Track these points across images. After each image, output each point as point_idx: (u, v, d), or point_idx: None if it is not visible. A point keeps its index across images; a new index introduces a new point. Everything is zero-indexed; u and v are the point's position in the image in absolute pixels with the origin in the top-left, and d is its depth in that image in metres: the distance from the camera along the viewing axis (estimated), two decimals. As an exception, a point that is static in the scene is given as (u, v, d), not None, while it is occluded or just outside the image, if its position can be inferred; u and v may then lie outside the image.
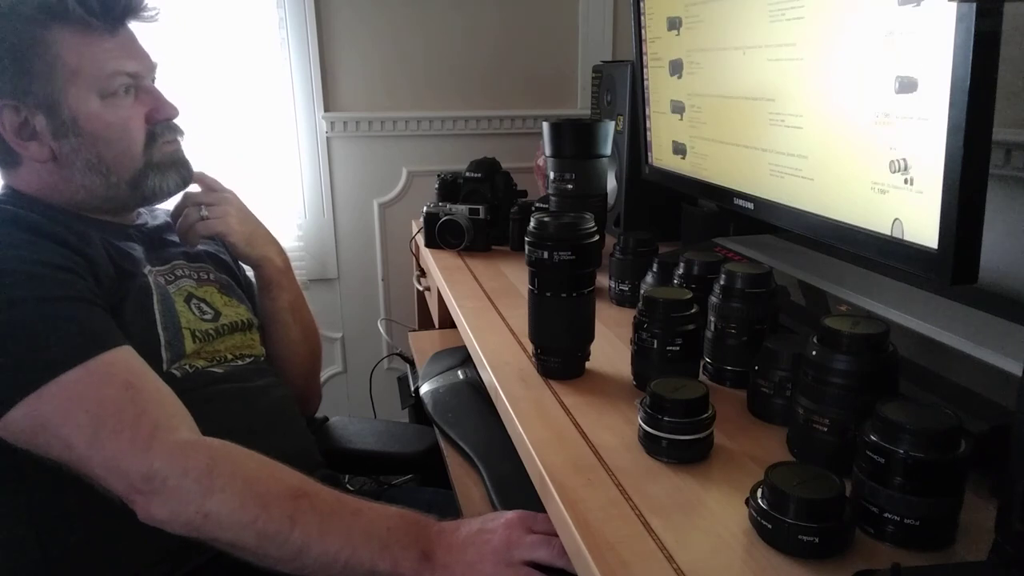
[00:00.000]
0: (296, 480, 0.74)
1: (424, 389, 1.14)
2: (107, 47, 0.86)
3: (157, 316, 0.88)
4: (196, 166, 1.01)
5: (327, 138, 1.87)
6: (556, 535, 0.62)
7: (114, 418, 0.72)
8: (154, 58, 0.93)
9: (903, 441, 0.49)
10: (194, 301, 0.96)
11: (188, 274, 0.98)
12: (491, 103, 1.95)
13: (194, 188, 1.02)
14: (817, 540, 0.49)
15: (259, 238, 1.06)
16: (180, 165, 0.96)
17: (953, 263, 0.62)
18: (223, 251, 1.09)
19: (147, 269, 0.91)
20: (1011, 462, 0.45)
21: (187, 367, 0.90)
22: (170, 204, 1.02)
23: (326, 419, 1.21)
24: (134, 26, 0.91)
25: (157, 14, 0.92)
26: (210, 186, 1.04)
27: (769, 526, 0.51)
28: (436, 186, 1.46)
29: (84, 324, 0.77)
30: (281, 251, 1.09)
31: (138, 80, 0.90)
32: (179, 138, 0.96)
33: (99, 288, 0.82)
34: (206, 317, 0.95)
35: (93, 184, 0.89)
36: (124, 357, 0.77)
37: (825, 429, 0.59)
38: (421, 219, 1.44)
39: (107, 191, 0.90)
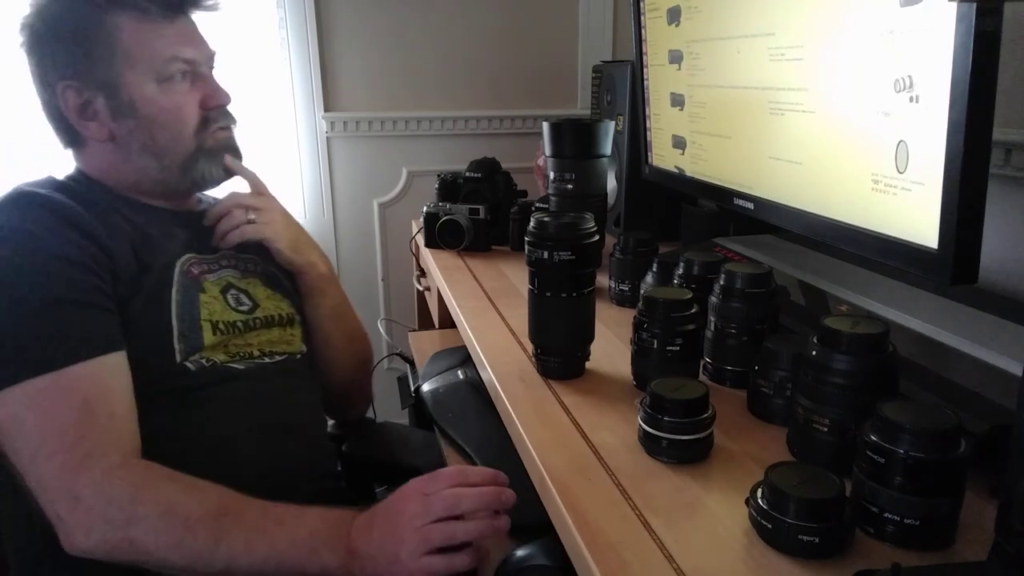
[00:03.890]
0: (219, 499, 0.74)
1: (424, 389, 1.14)
2: (164, 33, 0.89)
3: (173, 307, 0.88)
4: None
5: (327, 138, 1.87)
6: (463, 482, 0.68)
7: (54, 438, 0.72)
8: (212, 47, 0.96)
9: (903, 441, 0.49)
10: (232, 292, 0.95)
11: (233, 264, 0.98)
12: (491, 103, 1.95)
13: (243, 188, 1.02)
14: (817, 540, 0.49)
15: (303, 244, 1.04)
16: (231, 152, 0.97)
17: (953, 263, 0.62)
18: None
19: (184, 258, 0.92)
20: (1011, 462, 0.45)
21: (203, 361, 0.89)
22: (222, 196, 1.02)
23: (373, 421, 1.18)
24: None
25: (217, 4, 0.95)
26: (258, 189, 1.02)
27: (769, 526, 0.51)
28: (436, 186, 1.46)
29: (74, 329, 0.77)
30: (324, 257, 1.07)
31: (194, 67, 0.92)
32: (232, 126, 0.97)
33: (114, 281, 0.83)
34: (242, 308, 0.95)
35: (148, 166, 0.91)
36: (95, 371, 0.77)
37: (825, 429, 0.59)
38: (421, 219, 1.44)
39: (160, 173, 0.92)
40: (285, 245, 1.01)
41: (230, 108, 0.97)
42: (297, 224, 1.06)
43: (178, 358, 0.86)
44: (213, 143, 0.94)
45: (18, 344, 0.75)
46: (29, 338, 0.76)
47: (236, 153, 0.98)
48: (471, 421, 1.00)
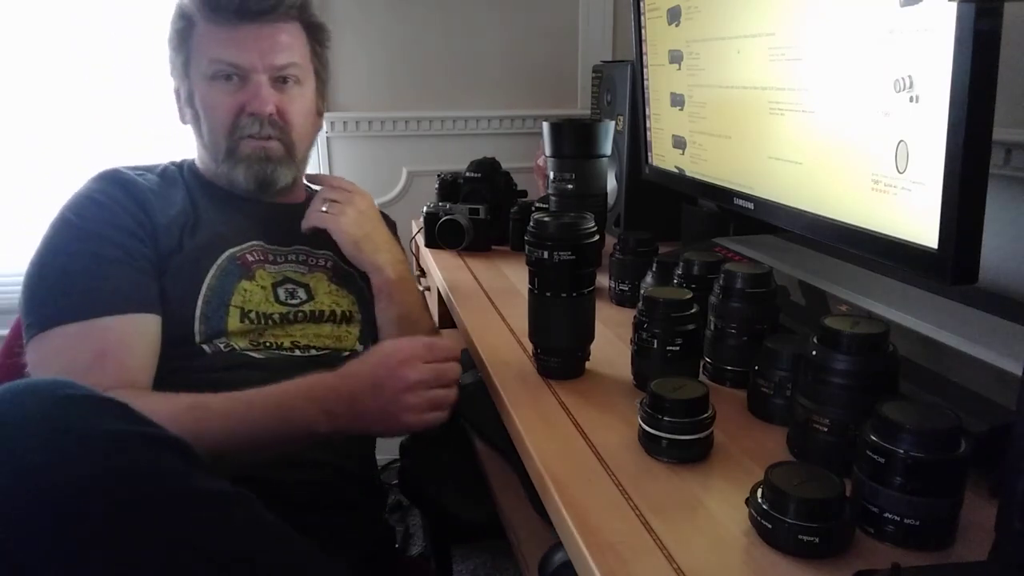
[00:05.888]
0: (188, 399, 0.79)
1: None
2: (221, 37, 0.97)
3: (203, 289, 0.92)
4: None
5: (327, 138, 1.86)
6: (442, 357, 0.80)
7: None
8: (281, 59, 0.99)
9: (903, 441, 0.49)
10: (288, 286, 0.98)
11: (301, 259, 1.02)
12: (491, 103, 1.95)
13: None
14: (817, 540, 0.49)
15: (369, 244, 1.02)
16: (257, 164, 0.99)
17: (953, 263, 0.62)
18: None
19: (244, 245, 0.97)
20: (1011, 462, 0.45)
21: (221, 345, 0.90)
22: None
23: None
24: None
25: (274, 12, 0.98)
26: (343, 188, 1.05)
27: (769, 526, 0.51)
28: (436, 186, 1.46)
29: (110, 285, 0.86)
30: (397, 263, 1.04)
31: (244, 72, 0.97)
32: (268, 139, 0.99)
33: (156, 252, 0.92)
34: (291, 302, 0.97)
35: (206, 156, 1.02)
36: (119, 326, 0.85)
37: (825, 429, 0.59)
38: (421, 219, 1.44)
39: (214, 165, 1.01)
40: (347, 240, 1.02)
41: (276, 123, 0.99)
42: (374, 226, 1.05)
43: (197, 339, 0.89)
44: (238, 149, 0.98)
45: (62, 293, 0.85)
46: (72, 290, 0.85)
47: (264, 168, 0.99)
48: (499, 418, 0.99)
